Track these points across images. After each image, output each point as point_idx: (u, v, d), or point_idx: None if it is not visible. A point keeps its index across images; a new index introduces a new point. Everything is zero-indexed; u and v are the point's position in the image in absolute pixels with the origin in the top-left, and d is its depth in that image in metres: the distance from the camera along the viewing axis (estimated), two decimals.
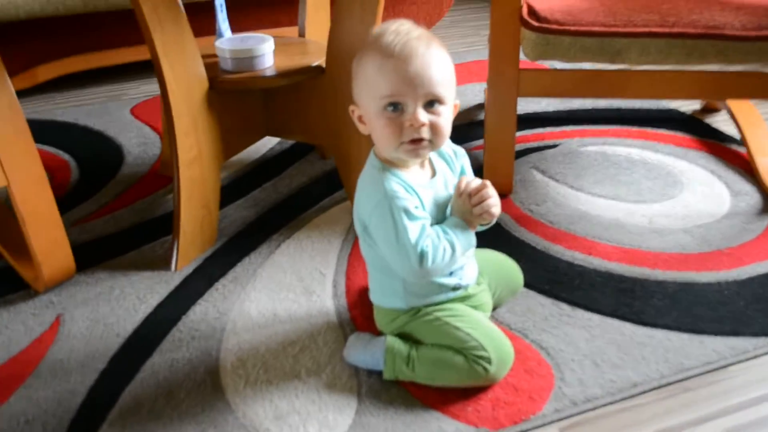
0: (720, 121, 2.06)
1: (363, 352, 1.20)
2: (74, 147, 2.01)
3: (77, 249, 1.52)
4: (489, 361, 1.13)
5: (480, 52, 2.69)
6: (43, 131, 2.10)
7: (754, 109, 1.96)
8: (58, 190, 1.78)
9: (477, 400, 1.14)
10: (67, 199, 1.75)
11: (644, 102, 2.18)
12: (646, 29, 1.45)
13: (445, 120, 1.06)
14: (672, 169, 1.81)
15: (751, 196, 1.69)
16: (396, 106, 1.03)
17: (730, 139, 1.95)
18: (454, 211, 1.14)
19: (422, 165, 1.15)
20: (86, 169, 1.89)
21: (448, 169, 1.18)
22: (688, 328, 1.28)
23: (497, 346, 1.15)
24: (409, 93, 1.02)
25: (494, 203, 1.12)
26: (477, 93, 2.30)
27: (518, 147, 1.93)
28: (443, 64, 1.05)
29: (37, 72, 2.30)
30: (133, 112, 2.22)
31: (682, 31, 1.45)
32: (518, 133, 2.00)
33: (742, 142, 1.87)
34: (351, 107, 1.09)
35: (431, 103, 1.04)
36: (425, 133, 1.04)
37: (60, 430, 1.10)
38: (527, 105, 2.18)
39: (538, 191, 1.72)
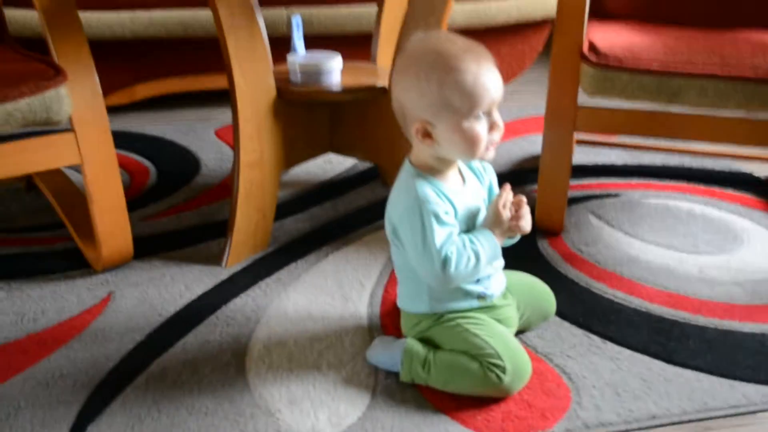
0: None
1: (383, 353, 1.23)
2: (157, 157, 2.15)
3: (140, 240, 1.63)
4: (504, 370, 1.13)
5: None
6: (131, 141, 2.26)
7: None
8: (134, 191, 1.92)
9: (488, 410, 1.14)
10: (141, 199, 1.87)
11: (716, 162, 2.15)
12: (706, 70, 1.45)
13: None
14: (733, 226, 1.77)
15: None
16: (484, 113, 1.10)
17: None
18: (486, 223, 1.17)
19: (454, 172, 1.19)
20: (164, 176, 2.02)
21: (477, 181, 1.22)
22: (720, 372, 1.25)
23: (514, 357, 1.15)
24: (495, 100, 1.10)
25: (528, 220, 1.18)
26: None
27: (579, 193, 1.94)
28: None
29: (135, 89, 2.48)
30: (217, 133, 2.35)
31: (742, 75, 1.44)
32: (581, 181, 2.01)
33: None
34: (417, 125, 1.11)
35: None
36: (501, 135, 1.13)
37: (89, 386, 1.18)
38: (595, 156, 2.18)
39: (591, 233, 1.72)
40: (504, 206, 1.16)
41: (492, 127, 1.11)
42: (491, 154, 1.14)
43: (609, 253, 1.64)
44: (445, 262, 1.10)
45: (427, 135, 1.11)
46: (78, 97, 1.35)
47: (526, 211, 1.17)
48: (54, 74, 1.31)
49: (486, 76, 1.08)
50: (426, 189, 1.12)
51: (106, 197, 1.45)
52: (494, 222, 1.16)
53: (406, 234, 1.13)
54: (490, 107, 1.10)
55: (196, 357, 1.26)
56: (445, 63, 1.08)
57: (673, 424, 1.14)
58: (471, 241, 1.13)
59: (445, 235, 1.10)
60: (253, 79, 1.47)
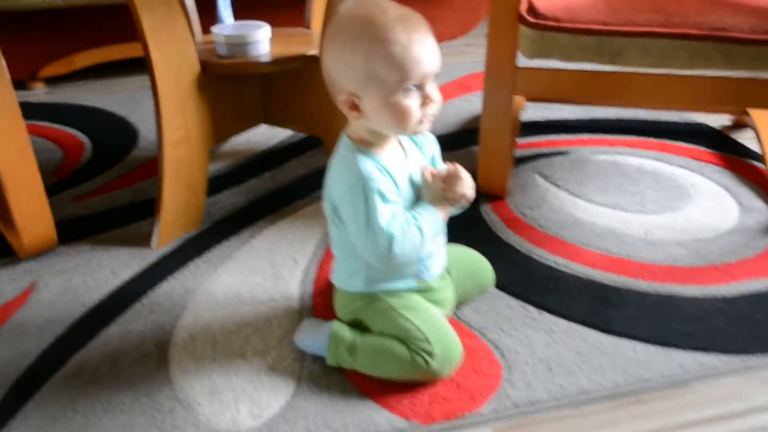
0: (748, 138, 1.96)
1: (310, 337, 1.19)
2: (94, 130, 2.08)
3: (70, 223, 1.58)
4: (431, 354, 1.10)
5: None
6: (69, 114, 2.19)
7: None
8: (67, 168, 1.85)
9: (416, 393, 1.11)
10: (73, 177, 1.80)
11: (671, 114, 2.09)
12: (647, 29, 1.39)
13: None
14: (683, 182, 1.73)
15: (761, 213, 1.60)
16: (415, 86, 1.03)
17: (753, 155, 1.86)
18: (424, 197, 1.13)
19: (394, 145, 1.13)
20: (99, 150, 1.95)
21: (418, 152, 1.17)
22: (657, 341, 1.22)
23: (443, 342, 1.12)
24: (428, 73, 1.03)
25: (468, 185, 1.12)
26: None
27: (526, 152, 1.89)
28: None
29: (74, 59, 2.39)
30: None
31: (685, 32, 1.38)
32: (530, 139, 1.96)
33: (762, 157, 1.78)
34: (343, 97, 1.06)
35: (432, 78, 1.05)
36: (437, 108, 1.06)
37: (4, 387, 1.14)
38: (548, 112, 2.13)
39: (536, 195, 1.67)
40: (434, 178, 1.11)
41: (425, 101, 1.04)
42: (425, 127, 1.07)
43: (553, 216, 1.60)
44: (390, 240, 1.05)
45: (354, 107, 1.06)
46: None
47: (461, 178, 1.12)
48: None
49: (417, 47, 1.01)
50: (368, 165, 1.06)
51: (23, 186, 1.39)
52: (430, 196, 1.12)
53: (349, 214, 1.08)
54: (423, 80, 1.03)
55: (117, 349, 1.21)
56: (372, 33, 1.01)
57: (605, 398, 1.11)
58: (415, 218, 1.08)
59: (390, 214, 1.05)
60: (172, 56, 1.39)
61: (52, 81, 2.45)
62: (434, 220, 1.10)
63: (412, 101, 1.03)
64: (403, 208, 1.09)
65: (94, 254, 1.47)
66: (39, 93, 2.38)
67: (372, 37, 1.01)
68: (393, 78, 1.01)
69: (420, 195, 1.14)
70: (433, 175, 1.12)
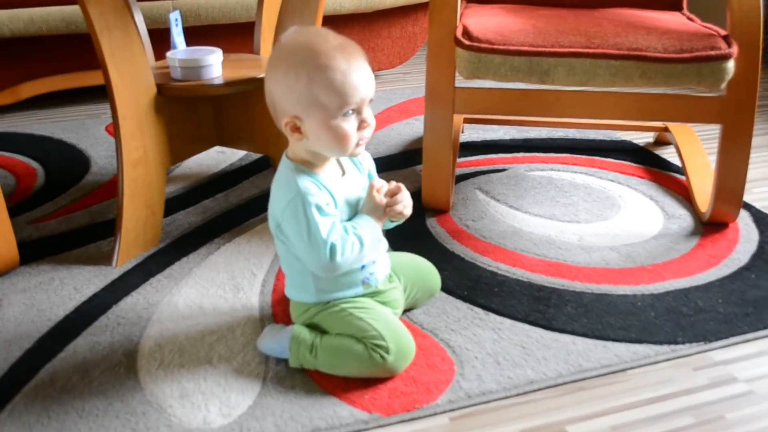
0: (669, 153, 2.13)
1: (272, 341, 1.26)
2: (45, 157, 2.11)
3: (29, 245, 1.61)
4: (387, 350, 1.18)
5: None
6: (18, 143, 2.21)
7: (697, 140, 2.03)
8: (20, 194, 1.88)
9: (375, 389, 1.19)
10: (28, 202, 1.83)
11: (598, 132, 2.25)
12: (571, 49, 1.52)
13: None
14: (612, 194, 1.87)
15: (684, 220, 1.74)
16: (353, 111, 1.12)
17: (674, 169, 2.01)
18: (364, 209, 1.21)
19: (332, 164, 1.22)
20: (52, 177, 1.99)
21: (356, 170, 1.26)
22: (594, 335, 1.33)
23: (397, 338, 1.20)
24: (365, 98, 1.12)
25: (408, 204, 1.22)
26: None
27: (467, 170, 2.00)
28: None
29: (20, 89, 2.42)
30: (107, 129, 2.32)
31: (606, 52, 1.52)
32: (469, 158, 2.08)
33: (683, 169, 1.93)
34: (286, 120, 1.14)
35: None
36: (371, 131, 1.16)
37: None
38: (484, 134, 2.25)
39: (477, 209, 1.78)
40: (378, 192, 1.20)
41: (362, 124, 1.14)
42: (361, 149, 1.17)
43: (494, 227, 1.70)
44: (332, 250, 1.13)
45: (296, 129, 1.14)
46: None
47: (403, 196, 1.21)
48: None
49: (356, 74, 1.10)
50: (305, 182, 1.14)
51: None
52: (371, 208, 1.20)
53: (291, 228, 1.15)
54: (360, 105, 1.12)
55: (86, 360, 1.26)
56: (315, 60, 1.09)
57: (549, 387, 1.21)
58: (353, 227, 1.16)
59: (329, 225, 1.13)
60: (130, 79, 1.46)
61: None
62: (372, 229, 1.19)
63: (350, 125, 1.12)
64: (341, 220, 1.18)
65: (56, 273, 1.51)
66: None
67: (314, 64, 1.09)
68: (333, 103, 1.10)
69: (356, 211, 1.22)
70: (378, 190, 1.21)
